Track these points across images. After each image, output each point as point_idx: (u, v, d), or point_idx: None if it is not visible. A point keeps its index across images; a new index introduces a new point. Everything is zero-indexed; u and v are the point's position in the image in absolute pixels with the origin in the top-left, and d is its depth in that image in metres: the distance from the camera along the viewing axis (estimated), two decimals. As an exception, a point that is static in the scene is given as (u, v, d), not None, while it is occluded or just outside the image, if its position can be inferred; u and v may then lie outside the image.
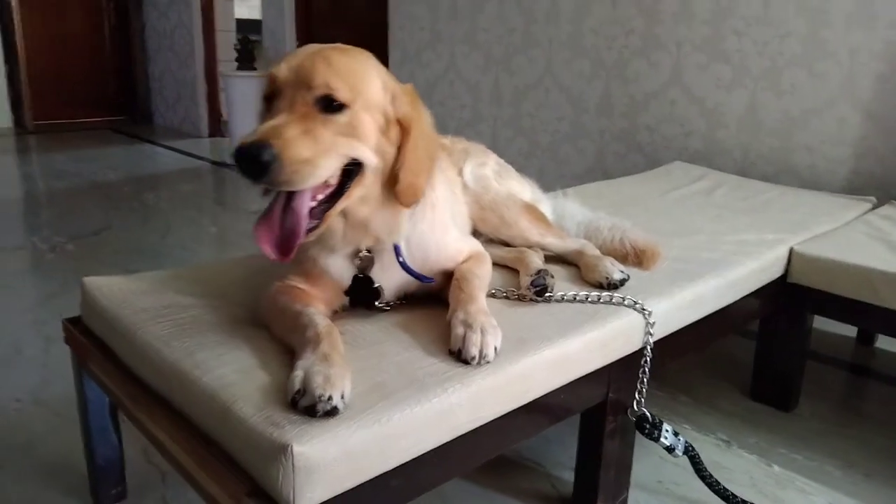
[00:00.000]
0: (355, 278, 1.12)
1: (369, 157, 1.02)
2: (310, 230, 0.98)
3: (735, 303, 1.54)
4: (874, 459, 1.62)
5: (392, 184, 1.05)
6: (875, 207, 2.13)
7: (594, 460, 1.31)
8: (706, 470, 1.37)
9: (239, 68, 4.71)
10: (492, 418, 1.00)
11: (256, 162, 0.90)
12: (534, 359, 1.05)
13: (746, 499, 1.35)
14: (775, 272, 1.67)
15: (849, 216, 2.01)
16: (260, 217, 0.98)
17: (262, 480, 0.83)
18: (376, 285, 1.13)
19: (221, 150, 5.15)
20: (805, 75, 2.44)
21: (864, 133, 2.34)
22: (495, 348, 1.02)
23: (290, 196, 0.97)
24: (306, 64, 0.99)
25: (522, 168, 3.38)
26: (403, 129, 1.07)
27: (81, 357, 1.24)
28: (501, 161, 1.61)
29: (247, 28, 5.99)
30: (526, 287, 1.25)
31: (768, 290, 1.67)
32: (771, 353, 1.83)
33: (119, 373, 1.11)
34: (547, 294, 1.23)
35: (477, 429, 0.99)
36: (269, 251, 0.96)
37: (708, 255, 1.56)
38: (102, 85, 6.48)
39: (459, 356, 1.00)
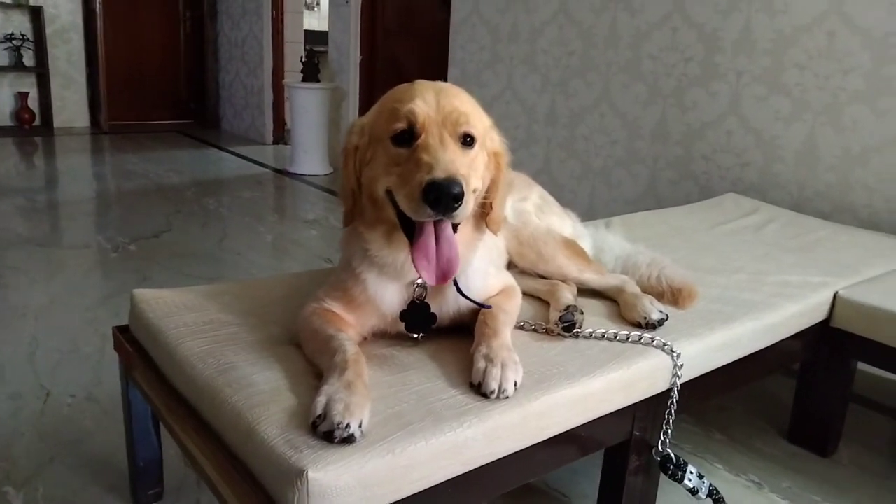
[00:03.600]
0: (412, 304, 1.15)
1: (479, 189, 1.10)
2: None
3: (772, 346, 1.51)
4: (914, 516, 1.57)
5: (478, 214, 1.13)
6: (934, 252, 2.05)
7: (616, 497, 1.32)
8: (732, 516, 1.36)
9: (304, 80, 4.84)
10: (508, 453, 1.02)
11: (451, 196, 0.96)
12: (554, 396, 1.07)
13: (773, 548, 1.34)
14: (818, 316, 1.63)
15: (904, 260, 1.95)
16: (415, 247, 1.02)
17: (279, 500, 0.87)
18: (433, 311, 1.16)
19: (283, 157, 5.29)
20: (867, 112, 2.38)
21: (927, 174, 2.27)
22: (515, 383, 1.04)
23: (439, 227, 1.03)
24: (446, 104, 1.06)
25: (574, 191, 3.37)
26: (498, 163, 1.15)
27: (127, 365, 1.31)
28: (545, 194, 1.63)
29: (315, 39, 6.16)
30: (554, 322, 1.26)
31: (810, 334, 1.64)
32: (811, 395, 1.79)
33: (158, 383, 1.18)
34: (575, 330, 1.25)
35: (493, 462, 1.01)
36: (431, 279, 1.02)
37: (747, 297, 1.54)
38: (174, 90, 6.75)
39: (479, 389, 1.03)
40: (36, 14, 5.82)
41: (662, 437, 1.29)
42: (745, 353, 1.43)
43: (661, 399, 1.26)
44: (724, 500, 1.34)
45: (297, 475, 0.83)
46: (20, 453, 1.57)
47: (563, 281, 1.44)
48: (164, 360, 1.18)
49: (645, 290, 1.46)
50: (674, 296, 1.46)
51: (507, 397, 1.02)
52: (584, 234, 1.64)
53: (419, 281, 1.14)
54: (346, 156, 1.13)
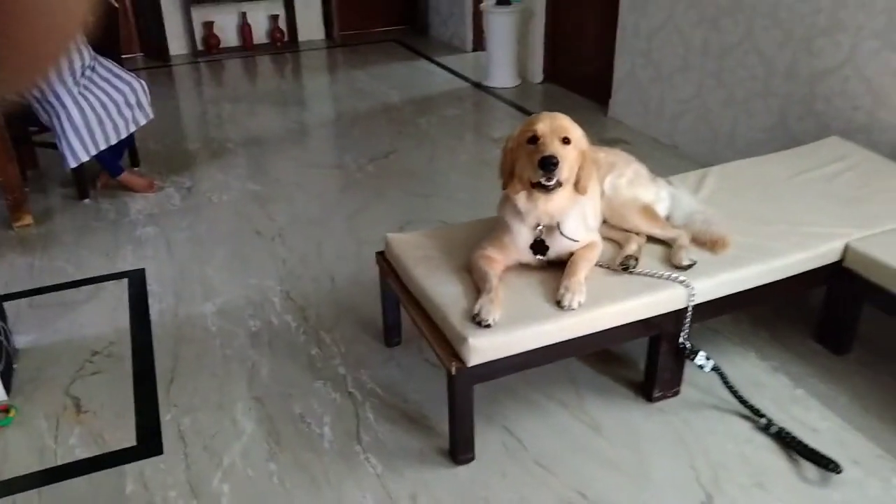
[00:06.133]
0: (536, 240, 2.11)
1: (573, 169, 2.01)
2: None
3: (783, 280, 2.26)
4: (879, 399, 2.29)
5: (573, 186, 2.04)
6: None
7: (654, 365, 2.23)
8: (730, 382, 2.21)
9: (498, 3, 5.61)
10: (571, 337, 1.98)
11: (553, 164, 1.91)
12: (602, 310, 1.99)
13: (758, 406, 2.19)
14: (830, 259, 2.32)
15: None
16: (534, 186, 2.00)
17: (458, 350, 1.91)
18: (547, 245, 2.11)
19: (480, 67, 6.15)
20: (959, 73, 2.78)
21: None
22: (579, 302, 1.97)
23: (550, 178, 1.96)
24: (556, 124, 2.00)
25: (720, 116, 3.96)
26: (584, 157, 2.04)
27: (383, 273, 2.42)
28: (639, 169, 2.42)
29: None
30: (617, 264, 2.15)
31: (826, 270, 2.34)
32: (830, 305, 2.49)
33: (400, 287, 2.26)
34: (629, 270, 2.13)
35: (562, 341, 1.98)
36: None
37: (770, 245, 2.27)
38: (391, 1, 7.78)
39: (559, 304, 1.98)
40: (282, -54, 7.02)
41: (683, 334, 2.16)
42: (752, 286, 2.21)
43: (681, 312, 2.13)
44: (724, 374, 2.20)
45: (465, 339, 1.86)
46: (325, 313, 2.79)
47: (636, 234, 2.29)
48: (404, 274, 2.25)
49: (696, 239, 2.27)
50: (712, 245, 2.26)
51: (572, 309, 1.96)
52: (664, 198, 2.42)
53: (540, 228, 2.08)
54: (505, 154, 2.09)
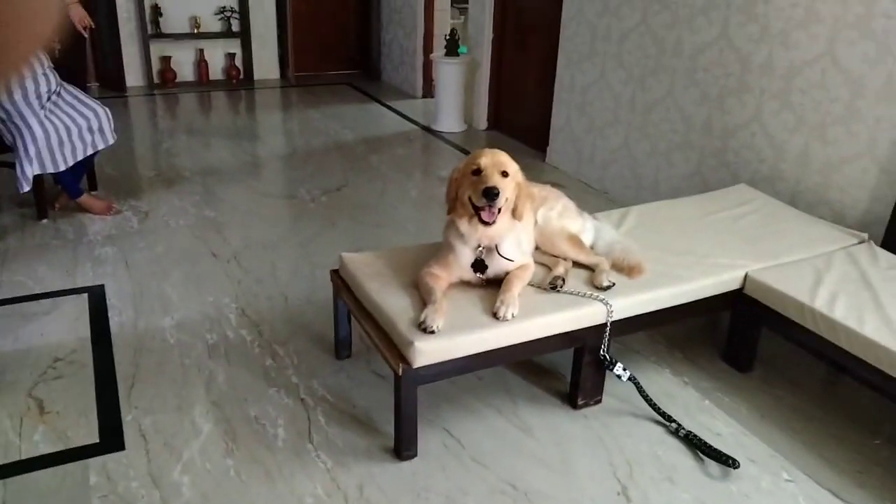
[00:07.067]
0: (476, 260, 2.37)
1: (511, 199, 2.29)
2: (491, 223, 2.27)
3: (691, 302, 2.59)
4: (774, 409, 2.62)
5: (510, 213, 2.32)
6: (860, 243, 2.94)
7: (578, 375, 2.51)
8: (644, 392, 2.50)
9: (447, 54, 5.99)
10: (507, 344, 2.24)
11: (494, 194, 2.19)
12: (531, 322, 2.26)
13: (669, 413, 2.48)
14: (732, 286, 2.67)
15: (828, 248, 2.86)
16: (480, 213, 2.25)
17: (405, 354, 2.14)
18: (486, 264, 2.38)
19: (429, 111, 6.51)
20: (843, 132, 3.22)
21: (877, 183, 3.11)
22: (513, 314, 2.24)
23: (490, 209, 2.24)
24: (496, 159, 2.28)
25: (644, 165, 4.38)
26: (520, 188, 2.32)
27: (336, 289, 2.64)
28: (568, 203, 2.74)
29: None
30: (546, 284, 2.44)
31: (730, 296, 2.68)
32: (734, 330, 2.83)
33: (353, 300, 2.49)
34: (557, 289, 2.41)
35: (500, 347, 2.23)
36: (488, 220, 2.26)
37: (678, 273, 2.60)
38: (345, 47, 8.12)
39: (495, 316, 2.24)
40: (241, -11, 7.30)
41: (602, 346, 2.45)
42: (663, 307, 2.52)
43: (601, 327, 2.42)
44: (640, 384, 2.49)
45: (411, 344, 2.10)
46: (279, 329, 2.99)
47: (564, 259, 2.59)
48: (357, 289, 2.48)
49: (615, 265, 2.58)
50: (629, 271, 2.57)
51: (507, 320, 2.23)
52: (589, 230, 2.74)
53: (480, 248, 2.35)
54: (451, 182, 2.37)
